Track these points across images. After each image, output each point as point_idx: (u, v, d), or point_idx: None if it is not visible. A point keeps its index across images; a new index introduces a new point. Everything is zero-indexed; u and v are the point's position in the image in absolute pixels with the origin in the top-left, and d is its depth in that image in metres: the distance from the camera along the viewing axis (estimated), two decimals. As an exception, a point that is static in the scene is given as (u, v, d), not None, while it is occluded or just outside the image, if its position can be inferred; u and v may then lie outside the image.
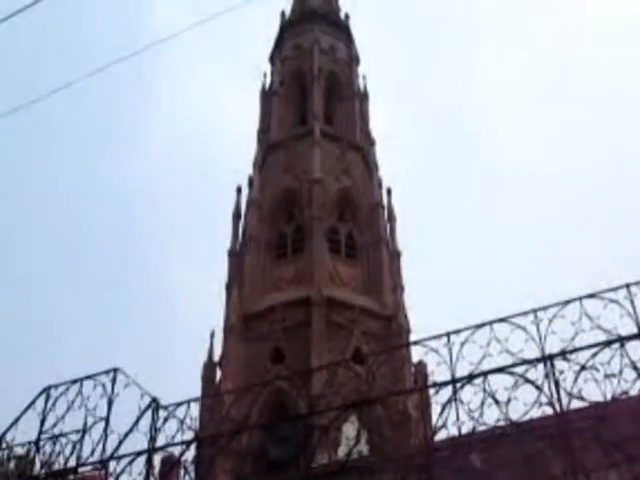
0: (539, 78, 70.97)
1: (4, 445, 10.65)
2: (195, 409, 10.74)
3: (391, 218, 27.25)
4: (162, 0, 79.39)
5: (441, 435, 8.74)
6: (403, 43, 76.56)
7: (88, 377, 10.70)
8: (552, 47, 73.88)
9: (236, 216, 27.57)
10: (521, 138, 68.40)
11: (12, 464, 10.66)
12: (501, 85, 73.39)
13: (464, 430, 8.52)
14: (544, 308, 8.97)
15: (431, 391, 9.16)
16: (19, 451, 10.67)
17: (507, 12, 76.90)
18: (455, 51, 75.90)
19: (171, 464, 9.88)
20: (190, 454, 9.89)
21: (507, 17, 75.38)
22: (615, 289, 8.74)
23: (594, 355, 8.06)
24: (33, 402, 10.84)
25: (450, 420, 8.68)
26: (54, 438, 10.37)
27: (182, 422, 10.30)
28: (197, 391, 22.85)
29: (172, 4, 78.77)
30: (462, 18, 75.57)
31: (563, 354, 8.25)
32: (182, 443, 9.89)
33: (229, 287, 24.74)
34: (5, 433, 10.69)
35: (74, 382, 10.76)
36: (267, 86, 32.63)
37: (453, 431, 8.61)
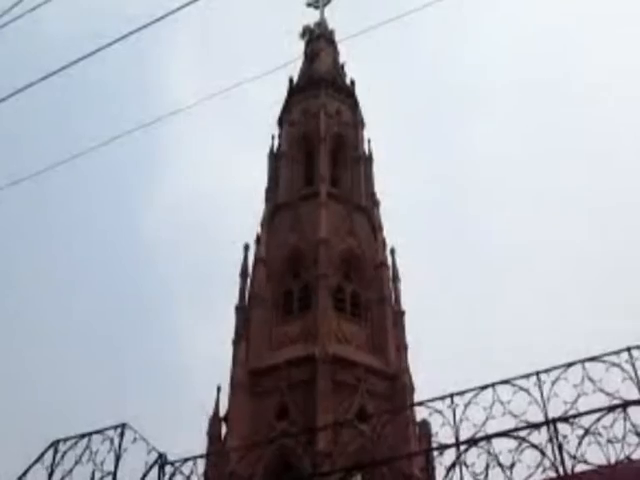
0: (544, 147, 71.51)
1: (12, 498, 10.56)
2: (201, 465, 10.65)
3: (395, 278, 27.23)
4: (174, 71, 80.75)
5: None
6: (407, 106, 77.57)
7: (96, 432, 10.66)
8: (555, 117, 74.65)
9: (243, 273, 27.59)
10: (522, 199, 68.71)
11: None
12: (503, 150, 73.99)
13: (468, 493, 8.40)
14: (546, 371, 8.96)
15: (435, 453, 9.06)
16: (26, 505, 10.57)
17: (510, 77, 77.88)
18: (459, 114, 76.73)
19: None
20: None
21: (510, 81, 76.29)
22: (617, 352, 8.72)
23: (598, 420, 7.99)
24: (41, 455, 10.79)
25: (454, 483, 8.56)
26: None
27: (188, 478, 10.21)
28: (202, 445, 22.60)
29: (184, 73, 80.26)
30: (467, 82, 76.73)
31: (566, 418, 8.17)
32: (188, 500, 9.77)
33: (236, 343, 24.59)
34: (13, 486, 10.60)
35: (82, 436, 10.72)
36: (275, 148, 33.05)
37: (458, 494, 8.49)
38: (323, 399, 20.56)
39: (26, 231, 67.77)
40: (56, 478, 10.52)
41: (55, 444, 10.83)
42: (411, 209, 61.88)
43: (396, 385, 22.52)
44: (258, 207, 29.82)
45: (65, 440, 10.80)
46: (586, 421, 8.04)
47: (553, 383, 8.78)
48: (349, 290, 25.47)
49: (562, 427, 8.21)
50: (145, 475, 10.27)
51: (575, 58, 75.86)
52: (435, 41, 78.47)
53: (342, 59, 38.07)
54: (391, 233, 29.14)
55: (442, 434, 9.14)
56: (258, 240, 27.97)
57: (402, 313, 26.16)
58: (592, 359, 8.78)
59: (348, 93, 34.78)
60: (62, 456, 10.68)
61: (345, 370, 21.96)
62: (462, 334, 56.18)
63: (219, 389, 24.09)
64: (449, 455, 8.82)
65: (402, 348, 24.53)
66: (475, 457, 8.60)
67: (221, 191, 76.87)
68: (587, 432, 7.92)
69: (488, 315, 59.37)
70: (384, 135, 60.71)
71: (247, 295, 26.64)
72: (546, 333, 48.82)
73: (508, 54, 78.86)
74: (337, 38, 38.81)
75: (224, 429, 22.91)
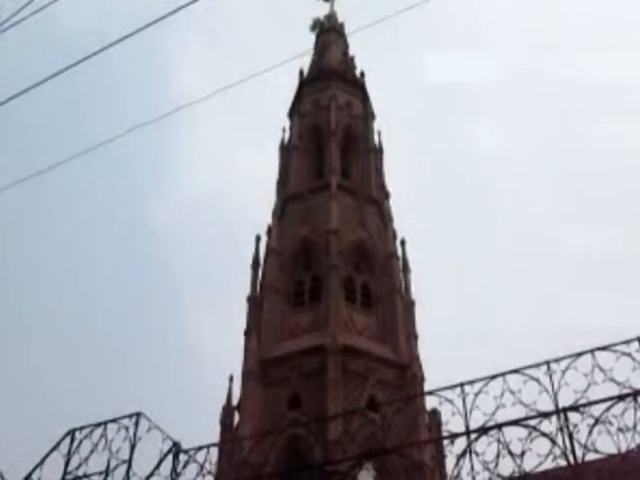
0: (554, 139, 71.06)
1: (30, 485, 10.64)
2: (214, 453, 10.67)
3: (405, 268, 27.17)
4: (185, 65, 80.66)
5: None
6: (418, 97, 77.23)
7: (112, 420, 10.72)
8: (567, 107, 74.11)
9: (255, 264, 27.57)
10: (532, 190, 68.38)
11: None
12: (515, 141, 73.68)
13: (479, 480, 8.37)
14: (557, 360, 8.89)
15: (446, 442, 9.02)
16: (44, 492, 10.65)
17: (518, 71, 77.37)
18: (471, 106, 76.40)
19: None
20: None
21: (520, 74, 75.77)
22: (627, 342, 8.65)
23: (608, 409, 7.93)
24: (58, 444, 10.87)
25: (465, 470, 8.53)
26: (78, 479, 10.34)
27: (202, 467, 10.24)
28: (215, 434, 22.72)
29: (195, 67, 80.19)
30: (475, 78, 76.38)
31: (577, 407, 8.12)
32: (202, 488, 9.81)
33: (248, 333, 24.62)
34: (31, 474, 10.73)
35: (98, 425, 10.79)
36: (286, 141, 32.98)
37: (468, 481, 8.46)
38: (334, 388, 20.57)
39: (40, 225, 67.95)
40: (72, 466, 10.60)
41: (71, 433, 10.91)
42: (421, 199, 61.81)
43: (406, 374, 22.51)
44: (269, 199, 29.86)
45: (81, 429, 10.88)
46: (596, 410, 8.00)
47: (563, 372, 8.72)
48: (359, 281, 25.44)
49: (572, 416, 8.16)
50: (160, 463, 10.33)
51: (587, 52, 75.00)
52: (446, 32, 78.02)
53: (352, 51, 37.98)
54: (401, 224, 29.14)
55: (452, 423, 9.10)
56: (269, 232, 27.96)
57: (412, 303, 26.11)
58: (602, 348, 8.71)
59: (358, 85, 34.66)
60: (78, 444, 10.75)
61: (355, 360, 21.95)
62: (473, 324, 55.98)
63: (231, 379, 24.20)
64: (460, 444, 8.80)
65: (412, 338, 24.49)
66: (485, 446, 8.57)
67: (232, 185, 76.91)
68: (597, 421, 7.87)
69: (498, 305, 59.26)
70: (395, 126, 60.69)
71: (258, 286, 26.65)
72: (557, 323, 48.65)
73: (523, 46, 78.15)
74: (347, 30, 38.75)
75: (237, 418, 22.99)
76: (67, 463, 10.64)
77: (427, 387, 22.24)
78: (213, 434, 22.51)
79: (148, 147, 75.18)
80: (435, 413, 19.34)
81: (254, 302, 25.97)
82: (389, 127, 36.86)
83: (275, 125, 34.74)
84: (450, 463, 8.82)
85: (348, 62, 36.62)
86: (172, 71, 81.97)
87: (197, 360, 58.61)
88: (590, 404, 8.06)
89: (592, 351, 8.73)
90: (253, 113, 76.16)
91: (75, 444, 10.76)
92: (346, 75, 34.89)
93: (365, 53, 41.31)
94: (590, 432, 7.83)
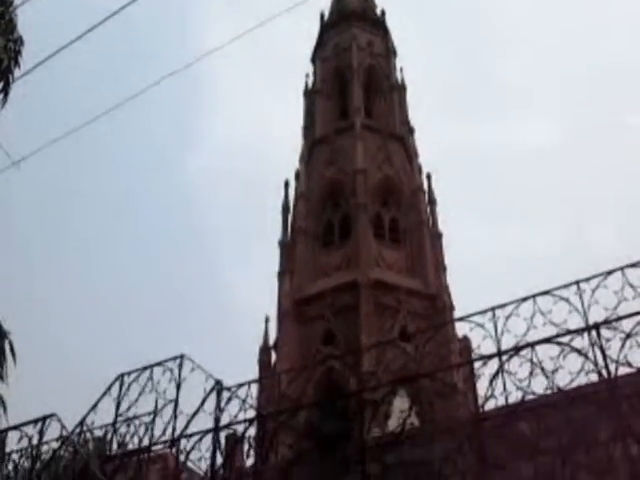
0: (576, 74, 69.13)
1: (84, 428, 10.97)
2: (254, 389, 10.79)
3: (431, 202, 27.02)
4: (207, 18, 79.43)
5: (489, 405, 8.56)
6: (442, 30, 75.56)
7: (157, 364, 10.91)
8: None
9: (285, 208, 27.62)
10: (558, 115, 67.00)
11: (91, 445, 10.92)
12: (540, 72, 71.90)
13: (512, 400, 8.33)
14: (587, 279, 8.70)
15: (478, 364, 8.95)
16: (98, 433, 10.96)
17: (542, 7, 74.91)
18: (491, 37, 74.54)
19: (235, 440, 9.92)
20: (252, 431, 9.93)
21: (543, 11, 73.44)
22: (658, 256, 8.43)
23: (639, 323, 7.78)
24: (109, 388, 11.14)
25: (498, 391, 8.48)
26: (128, 420, 10.69)
27: (244, 402, 10.36)
28: (254, 373, 23.04)
29: (216, 20, 78.98)
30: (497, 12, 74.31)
31: (608, 322, 7.97)
32: (245, 421, 9.95)
33: (281, 275, 24.84)
34: (85, 417, 11.01)
35: (145, 369, 11.00)
36: (310, 85, 32.57)
37: (501, 401, 8.43)
38: (366, 322, 20.77)
39: (76, 181, 68.15)
40: (123, 408, 10.88)
41: (120, 377, 11.14)
42: (447, 130, 60.89)
43: (436, 304, 22.67)
44: (297, 145, 29.68)
45: (129, 373, 11.08)
46: (628, 325, 7.85)
47: (593, 291, 8.53)
48: (387, 217, 25.41)
49: (604, 332, 8.02)
50: (204, 400, 10.47)
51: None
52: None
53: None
54: (426, 159, 28.89)
55: (483, 347, 9.02)
56: (298, 176, 27.89)
57: (439, 235, 26.05)
58: (632, 265, 8.50)
59: (379, 24, 33.90)
60: (127, 388, 10.98)
61: (386, 294, 22.10)
62: (500, 250, 55.46)
63: (267, 320, 24.44)
64: (492, 366, 8.72)
65: (441, 269, 24.58)
66: (517, 366, 8.49)
67: (261, 133, 76.37)
68: (629, 335, 7.74)
69: (525, 229, 58.84)
70: (419, 61, 59.49)
71: (289, 229, 26.72)
72: (586, 241, 47.99)
73: None
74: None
75: (274, 357, 23.29)
76: (118, 406, 10.89)
77: (457, 315, 22.27)
78: (252, 374, 22.84)
79: (173, 101, 74.65)
80: (466, 339, 19.39)
81: (286, 245, 26.11)
82: (413, 61, 36.05)
83: (300, 71, 34.24)
84: (483, 385, 8.78)
85: (368, 1, 35.75)
86: (194, 25, 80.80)
87: (232, 305, 59.38)
88: (621, 318, 7.91)
89: (622, 269, 8.52)
90: (278, 63, 75.16)
91: (124, 388, 10.99)
92: (366, 15, 34.09)
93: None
94: (622, 346, 7.71)
